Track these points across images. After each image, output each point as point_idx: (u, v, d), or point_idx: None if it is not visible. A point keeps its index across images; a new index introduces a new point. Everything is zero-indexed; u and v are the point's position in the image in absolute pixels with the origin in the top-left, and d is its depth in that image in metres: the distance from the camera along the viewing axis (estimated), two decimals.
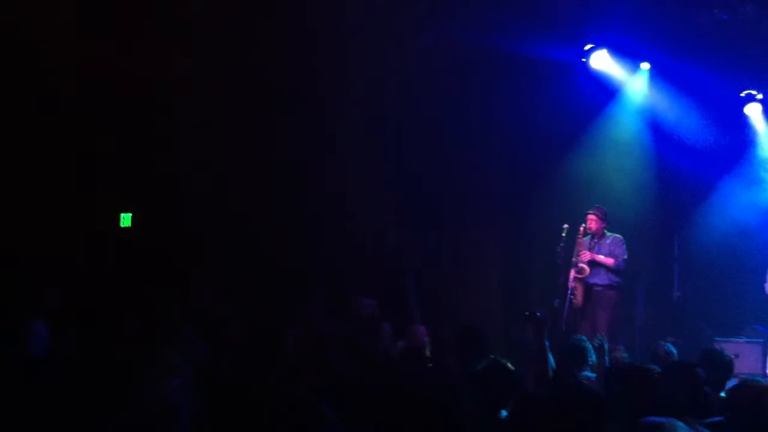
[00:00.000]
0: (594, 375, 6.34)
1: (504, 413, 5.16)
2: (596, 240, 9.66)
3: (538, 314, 6.57)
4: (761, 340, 9.86)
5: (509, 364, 6.02)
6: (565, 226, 9.59)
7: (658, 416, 4.11)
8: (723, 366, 6.14)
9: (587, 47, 10.92)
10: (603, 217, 9.64)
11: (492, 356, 6.56)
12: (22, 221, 8.57)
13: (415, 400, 4.21)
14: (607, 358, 6.45)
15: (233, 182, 9.80)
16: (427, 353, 7.74)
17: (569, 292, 9.49)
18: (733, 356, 8.83)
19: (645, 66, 11.20)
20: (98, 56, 8.94)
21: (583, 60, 10.97)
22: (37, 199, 8.70)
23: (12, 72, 8.64)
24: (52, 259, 8.41)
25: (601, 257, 9.53)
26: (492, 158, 11.04)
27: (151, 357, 5.05)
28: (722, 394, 5.74)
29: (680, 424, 3.48)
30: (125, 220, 9.57)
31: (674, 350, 7.13)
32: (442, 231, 10.86)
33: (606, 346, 6.43)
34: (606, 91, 11.21)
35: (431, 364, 6.93)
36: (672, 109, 11.16)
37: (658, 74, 11.16)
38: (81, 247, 8.79)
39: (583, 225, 9.62)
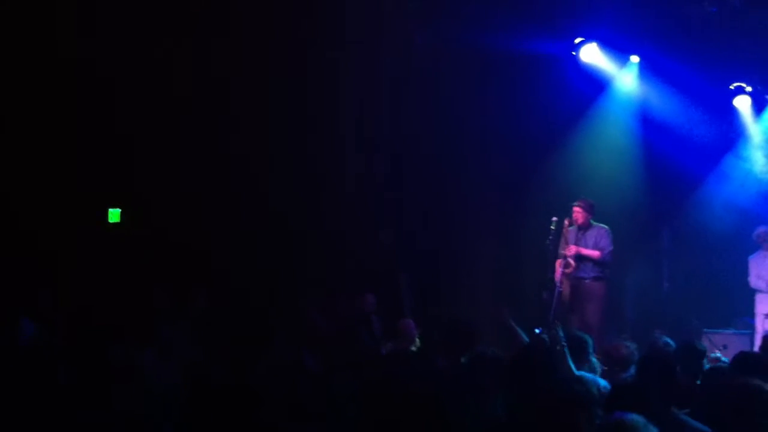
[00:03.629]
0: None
1: None
2: (582, 232, 9.70)
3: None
4: (749, 331, 9.93)
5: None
6: (554, 218, 9.61)
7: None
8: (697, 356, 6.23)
9: (577, 41, 10.92)
10: (588, 209, 9.67)
11: (479, 347, 6.64)
12: (13, 217, 8.56)
13: (405, 397, 4.23)
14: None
15: (231, 180, 9.79)
16: (416, 346, 7.78)
17: (557, 284, 9.53)
18: (721, 347, 8.97)
19: (635, 59, 11.22)
20: (94, 52, 8.93)
21: (573, 53, 10.98)
22: (26, 195, 8.68)
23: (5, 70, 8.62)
24: (42, 256, 8.41)
25: (586, 250, 9.57)
26: (483, 152, 11.04)
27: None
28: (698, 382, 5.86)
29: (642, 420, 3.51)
30: (114, 215, 9.52)
31: (672, 343, 7.21)
32: (434, 226, 10.87)
33: (561, 333, 6.46)
34: (596, 84, 11.23)
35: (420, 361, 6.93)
36: (661, 102, 11.20)
37: (647, 67, 11.19)
38: (70, 243, 8.77)
39: (568, 218, 9.66)
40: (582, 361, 6.45)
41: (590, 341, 6.73)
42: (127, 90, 9.10)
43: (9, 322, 6.25)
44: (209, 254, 9.27)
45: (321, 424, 4.41)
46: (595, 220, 9.75)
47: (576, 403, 3.96)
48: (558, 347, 6.33)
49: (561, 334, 6.40)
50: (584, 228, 9.69)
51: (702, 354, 6.33)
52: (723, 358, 7.84)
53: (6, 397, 4.31)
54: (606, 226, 9.70)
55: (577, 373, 6.11)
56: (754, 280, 9.99)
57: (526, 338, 6.79)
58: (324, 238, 10.10)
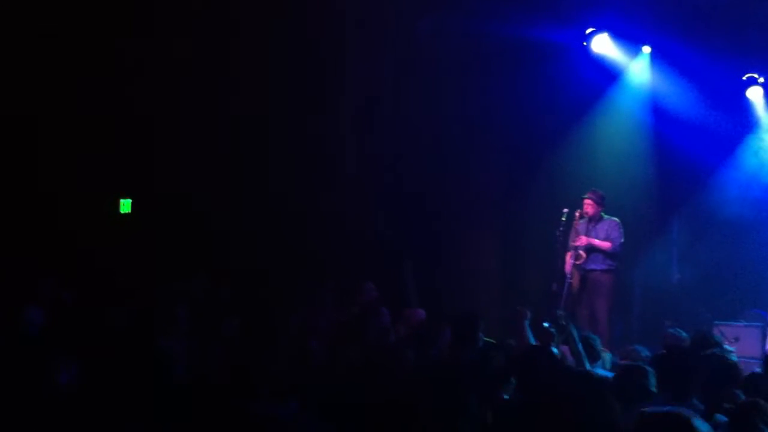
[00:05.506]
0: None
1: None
2: (593, 224, 9.65)
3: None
4: (760, 323, 9.85)
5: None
6: (565, 210, 9.59)
7: None
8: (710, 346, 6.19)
9: (588, 31, 10.86)
10: (599, 201, 9.62)
11: (486, 339, 6.64)
12: (21, 208, 8.59)
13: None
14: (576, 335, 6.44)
15: (234, 170, 9.79)
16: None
17: (567, 276, 9.51)
18: (732, 339, 8.92)
19: (646, 49, 11.16)
20: (97, 45, 8.94)
21: (584, 44, 10.92)
22: (35, 185, 8.70)
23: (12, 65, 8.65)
24: (51, 245, 8.43)
25: (597, 241, 9.53)
26: (491, 143, 11.00)
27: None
28: None
29: (690, 412, 3.50)
30: (125, 206, 9.53)
31: (684, 334, 7.19)
32: (438, 218, 10.84)
33: (574, 332, 6.44)
34: (607, 75, 11.17)
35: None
36: (673, 93, 11.12)
37: (659, 58, 11.12)
38: (80, 233, 8.79)
39: (579, 210, 9.62)
40: (594, 358, 6.46)
41: (597, 339, 6.74)
42: (130, 74, 9.09)
43: (12, 311, 6.23)
44: (209, 244, 9.28)
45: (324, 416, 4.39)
46: (605, 212, 9.70)
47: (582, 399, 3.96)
48: (572, 345, 6.31)
49: (574, 332, 6.38)
50: (595, 220, 9.64)
51: (716, 345, 6.27)
52: None
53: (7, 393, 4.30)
54: (617, 219, 9.65)
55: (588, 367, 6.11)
56: None
57: (533, 341, 6.75)
58: (325, 231, 10.08)
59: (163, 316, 6.13)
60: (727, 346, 6.90)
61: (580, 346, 6.24)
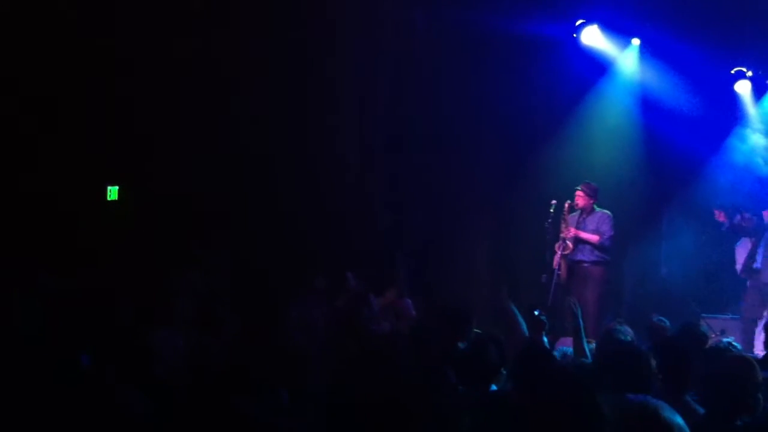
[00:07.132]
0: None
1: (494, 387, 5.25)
2: (584, 216, 9.70)
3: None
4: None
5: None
6: (553, 201, 9.64)
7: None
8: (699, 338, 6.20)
9: (578, 23, 10.88)
10: (591, 194, 9.66)
11: (478, 332, 6.64)
12: (18, 203, 8.55)
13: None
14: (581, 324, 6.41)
15: (233, 170, 9.77)
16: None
17: (555, 268, 9.55)
18: (718, 332, 9.01)
19: (636, 42, 11.18)
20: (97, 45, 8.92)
21: (574, 36, 10.94)
22: (23, 173, 8.65)
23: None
24: (43, 236, 8.39)
25: (585, 234, 9.58)
26: (483, 134, 11.03)
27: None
28: None
29: (659, 403, 3.49)
30: (112, 193, 9.48)
31: (667, 322, 7.23)
32: (432, 209, 10.86)
33: (578, 311, 6.40)
34: (596, 67, 11.19)
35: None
36: (662, 86, 11.15)
37: (648, 50, 11.15)
38: (68, 222, 8.75)
39: (569, 201, 9.66)
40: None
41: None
42: (130, 74, 9.06)
43: (8, 305, 6.18)
44: (209, 243, 9.27)
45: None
46: (599, 205, 9.73)
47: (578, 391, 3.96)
48: (574, 325, 6.29)
49: (578, 312, 6.34)
50: (586, 212, 9.69)
51: (705, 339, 6.29)
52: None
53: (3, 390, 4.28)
54: (608, 212, 9.69)
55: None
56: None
57: (522, 321, 6.77)
58: (322, 221, 10.09)
59: (162, 312, 6.13)
60: (732, 341, 6.88)
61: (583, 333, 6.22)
